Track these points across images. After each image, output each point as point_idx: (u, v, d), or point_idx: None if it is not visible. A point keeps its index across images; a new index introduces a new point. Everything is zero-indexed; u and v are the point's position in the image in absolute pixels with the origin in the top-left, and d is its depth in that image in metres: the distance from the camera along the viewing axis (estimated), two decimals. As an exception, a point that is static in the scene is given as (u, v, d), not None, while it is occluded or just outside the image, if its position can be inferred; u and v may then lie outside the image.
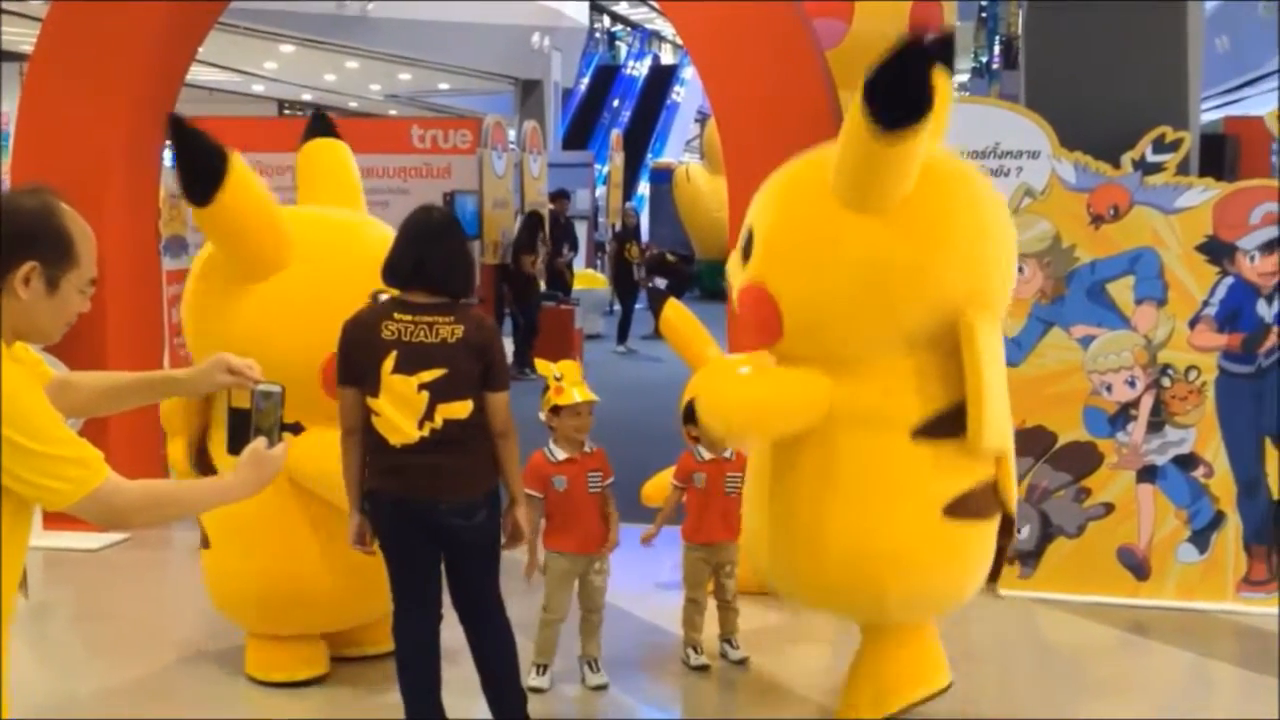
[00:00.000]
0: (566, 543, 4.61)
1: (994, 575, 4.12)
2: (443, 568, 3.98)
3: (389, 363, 3.80)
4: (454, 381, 3.81)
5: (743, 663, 4.92)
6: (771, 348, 4.09)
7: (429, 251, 3.90)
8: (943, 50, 3.86)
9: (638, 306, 14.98)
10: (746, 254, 4.09)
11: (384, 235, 4.39)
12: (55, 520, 5.75)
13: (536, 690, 4.60)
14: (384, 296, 4.05)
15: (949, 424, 3.85)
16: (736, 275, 4.18)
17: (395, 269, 3.95)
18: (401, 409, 3.80)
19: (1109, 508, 5.69)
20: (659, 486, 5.71)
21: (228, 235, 4.40)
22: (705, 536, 4.81)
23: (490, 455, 3.91)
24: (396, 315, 3.85)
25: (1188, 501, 5.66)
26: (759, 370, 4.12)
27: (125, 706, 4.58)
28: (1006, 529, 4.08)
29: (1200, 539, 5.66)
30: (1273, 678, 4.88)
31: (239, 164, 4.32)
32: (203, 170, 4.28)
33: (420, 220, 3.99)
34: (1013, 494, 4.04)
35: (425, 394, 3.79)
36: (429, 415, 3.80)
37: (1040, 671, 5.13)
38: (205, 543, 4.69)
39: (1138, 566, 5.71)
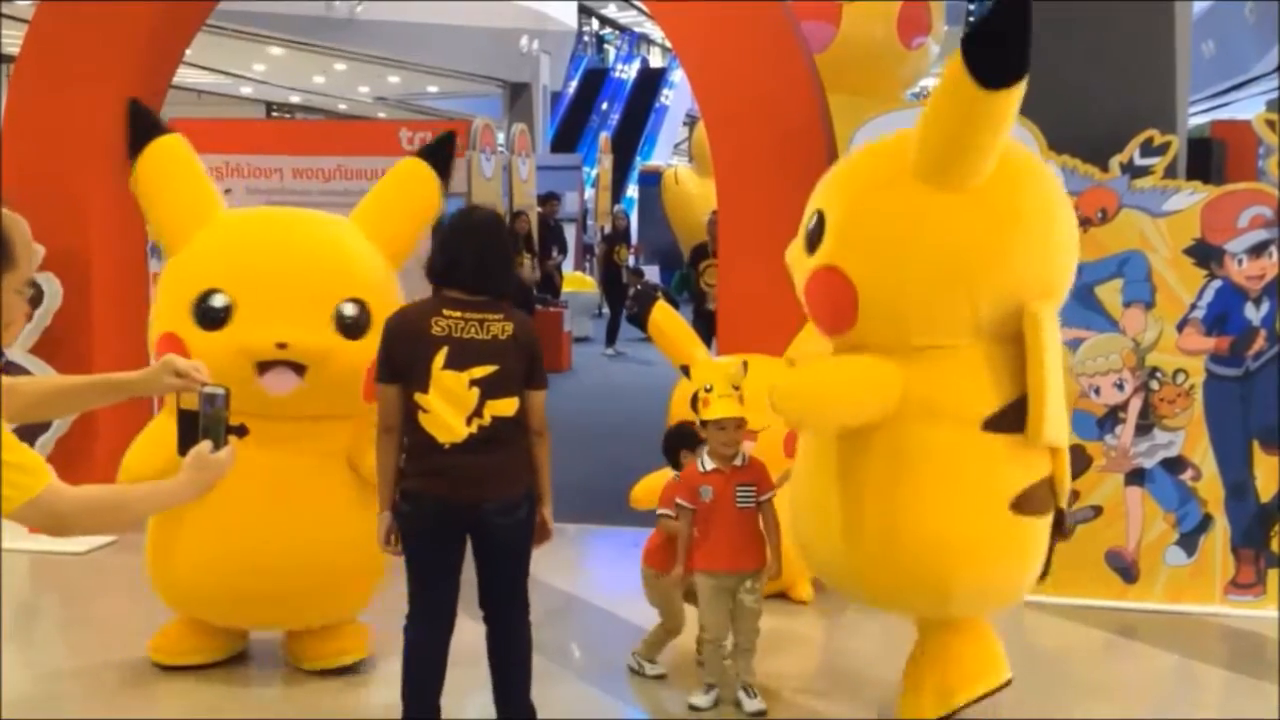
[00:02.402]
0: (713, 560, 4.41)
1: (1043, 573, 4.12)
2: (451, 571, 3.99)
3: (440, 358, 3.81)
4: (504, 378, 3.84)
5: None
6: (843, 334, 4.02)
7: (464, 251, 3.93)
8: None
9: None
10: (813, 241, 4.03)
11: (323, 240, 4.62)
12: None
13: (695, 709, 4.50)
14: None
15: (1015, 417, 3.83)
16: (799, 263, 4.12)
17: (433, 267, 3.99)
18: (451, 405, 3.81)
19: (1097, 510, 5.70)
20: (649, 490, 5.69)
21: (142, 200, 4.77)
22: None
23: (529, 453, 3.95)
24: (445, 311, 3.87)
25: (1176, 504, 5.66)
26: (833, 358, 4.08)
27: (111, 709, 4.55)
28: (1057, 525, 4.06)
29: (1188, 542, 5.67)
30: (1260, 680, 4.90)
31: (169, 143, 4.70)
32: (131, 139, 4.68)
33: (460, 220, 4.05)
34: (1066, 489, 4.02)
35: (476, 390, 3.81)
36: (478, 412, 3.82)
37: (1028, 674, 5.11)
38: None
39: (1126, 569, 5.72)
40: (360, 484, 4.51)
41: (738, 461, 4.42)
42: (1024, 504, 3.90)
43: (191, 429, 2.71)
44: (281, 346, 4.30)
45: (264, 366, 4.34)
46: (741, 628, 4.48)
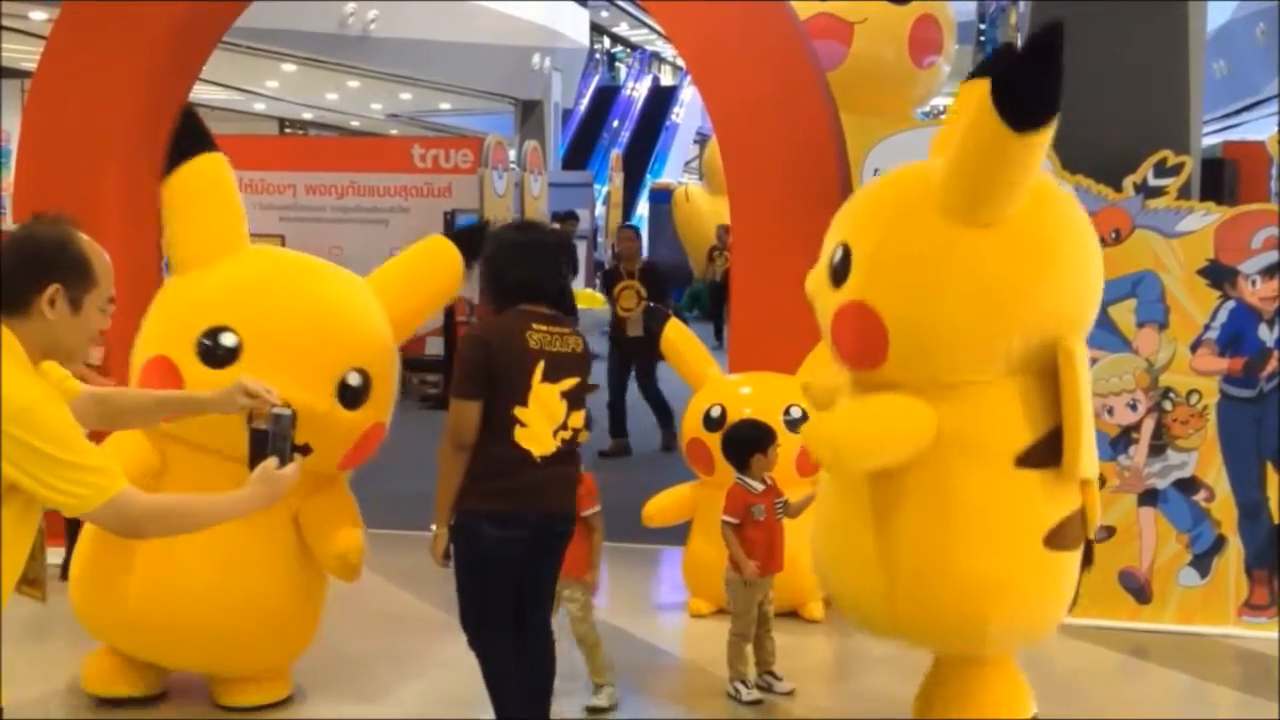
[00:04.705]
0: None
1: (1072, 605, 4.12)
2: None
3: (539, 371, 3.83)
4: (581, 391, 3.95)
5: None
6: (871, 371, 3.93)
7: (546, 267, 3.96)
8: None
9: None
10: (838, 274, 3.93)
11: (325, 298, 4.47)
12: (52, 538, 5.67)
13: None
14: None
15: (1048, 451, 3.81)
16: (824, 296, 4.02)
17: (509, 282, 3.95)
18: (546, 418, 3.85)
19: (1110, 531, 5.68)
20: (661, 507, 5.70)
21: (168, 210, 4.59)
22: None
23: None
24: (535, 325, 3.88)
25: (1189, 525, 5.65)
26: (865, 399, 3.97)
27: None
28: (1086, 556, 4.04)
29: (1201, 563, 5.65)
30: (1272, 701, 4.88)
31: (213, 161, 4.52)
32: (176, 146, 4.53)
33: (533, 236, 4.07)
34: (1096, 521, 4.01)
35: (564, 402, 3.87)
36: (564, 424, 3.88)
37: (1040, 694, 5.08)
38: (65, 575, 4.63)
39: (1139, 590, 5.70)
40: (301, 542, 4.47)
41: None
42: (1057, 539, 3.88)
43: (261, 446, 2.87)
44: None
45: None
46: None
